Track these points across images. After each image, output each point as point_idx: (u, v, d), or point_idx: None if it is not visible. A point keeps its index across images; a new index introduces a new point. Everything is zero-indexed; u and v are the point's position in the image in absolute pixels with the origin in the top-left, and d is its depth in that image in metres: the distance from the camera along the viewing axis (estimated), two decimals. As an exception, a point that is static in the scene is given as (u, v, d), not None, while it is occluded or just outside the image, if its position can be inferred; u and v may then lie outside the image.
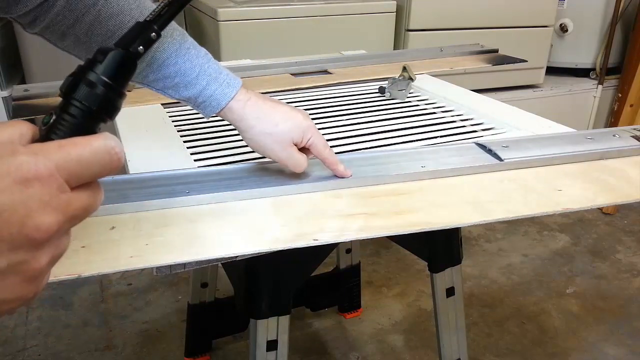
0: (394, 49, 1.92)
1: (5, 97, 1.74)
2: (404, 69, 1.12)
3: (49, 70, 1.70)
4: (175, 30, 0.62)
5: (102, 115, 0.31)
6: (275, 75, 1.19)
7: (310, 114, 0.97)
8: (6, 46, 1.82)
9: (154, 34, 0.36)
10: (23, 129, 0.27)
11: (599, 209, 2.21)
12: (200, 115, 0.96)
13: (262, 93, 1.08)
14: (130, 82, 0.59)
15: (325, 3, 1.79)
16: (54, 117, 0.29)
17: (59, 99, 0.31)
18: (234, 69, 1.19)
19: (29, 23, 0.59)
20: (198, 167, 0.74)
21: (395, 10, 1.87)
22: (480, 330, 1.57)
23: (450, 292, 0.95)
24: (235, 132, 0.88)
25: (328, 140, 0.85)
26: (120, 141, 0.30)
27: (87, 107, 0.30)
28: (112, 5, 0.59)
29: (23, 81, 1.81)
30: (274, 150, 0.64)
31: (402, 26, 1.90)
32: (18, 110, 1.00)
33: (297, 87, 1.12)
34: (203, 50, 0.64)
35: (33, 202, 0.25)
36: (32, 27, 0.60)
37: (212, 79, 0.63)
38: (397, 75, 1.12)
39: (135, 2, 0.60)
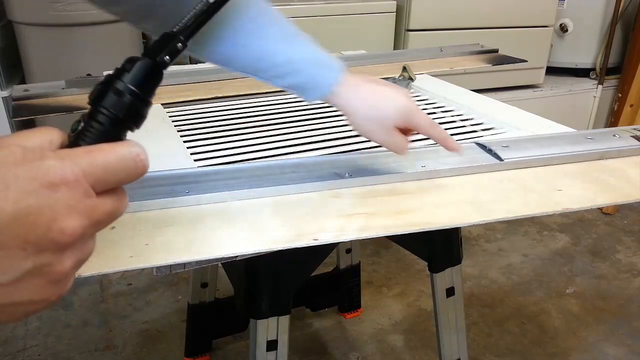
0: (394, 49, 1.92)
1: (5, 97, 1.74)
2: (404, 69, 1.12)
3: (49, 70, 1.70)
4: (281, 19, 0.62)
5: (128, 123, 0.32)
6: (275, 75, 1.19)
7: (310, 114, 0.97)
8: (6, 46, 1.83)
9: (180, 44, 0.36)
10: (53, 135, 0.28)
11: (599, 209, 2.21)
12: (200, 115, 0.96)
13: (262, 93, 1.09)
14: (233, 71, 0.61)
15: (325, 3, 1.79)
16: (82, 124, 0.30)
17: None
18: (234, 69, 1.20)
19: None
20: (198, 167, 0.74)
21: (395, 10, 1.87)
22: (480, 330, 1.57)
23: (450, 292, 0.95)
24: (235, 132, 0.88)
25: (328, 140, 0.85)
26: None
27: (115, 115, 0.31)
28: None
29: (23, 81, 1.81)
30: (377, 134, 0.64)
31: (402, 26, 1.90)
32: (18, 110, 1.00)
33: (297, 87, 1.12)
34: (306, 35, 0.64)
35: (59, 206, 0.25)
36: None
37: (318, 66, 0.62)
38: (397, 75, 1.12)
39: None
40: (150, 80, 0.33)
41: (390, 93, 0.64)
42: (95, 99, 0.31)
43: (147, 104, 0.33)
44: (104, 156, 0.27)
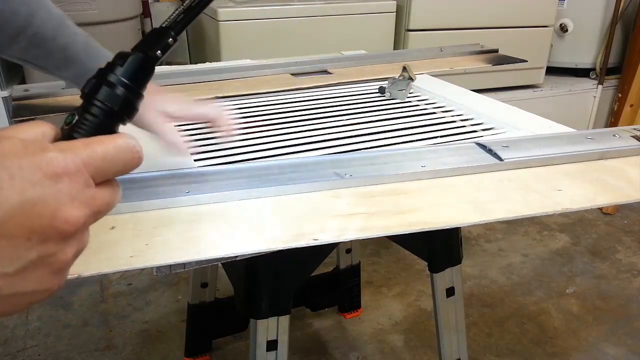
0: (394, 49, 1.92)
1: (5, 97, 1.74)
2: (404, 69, 1.12)
3: (49, 70, 1.70)
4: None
5: (122, 116, 0.32)
6: (275, 75, 1.19)
7: (310, 114, 0.97)
8: (6, 46, 1.82)
9: (171, 39, 0.37)
10: (45, 129, 0.29)
11: (599, 209, 2.21)
12: (200, 115, 0.96)
13: (262, 93, 1.09)
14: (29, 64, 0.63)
15: (325, 3, 1.79)
16: (76, 117, 0.30)
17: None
18: (234, 69, 1.20)
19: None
20: (198, 167, 0.74)
21: (395, 10, 1.87)
22: (480, 330, 1.57)
23: (450, 292, 0.95)
24: (235, 132, 0.88)
25: (328, 140, 0.85)
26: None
27: (109, 108, 0.31)
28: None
29: (23, 81, 1.81)
30: (155, 120, 0.67)
31: (402, 26, 1.90)
32: (18, 110, 0.99)
33: (297, 87, 1.12)
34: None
35: (62, 196, 0.26)
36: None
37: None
38: (397, 75, 1.12)
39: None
40: (142, 73, 0.34)
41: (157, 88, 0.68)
42: (89, 92, 0.31)
43: (139, 96, 0.34)
44: (102, 147, 0.28)
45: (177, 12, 0.38)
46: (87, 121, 0.30)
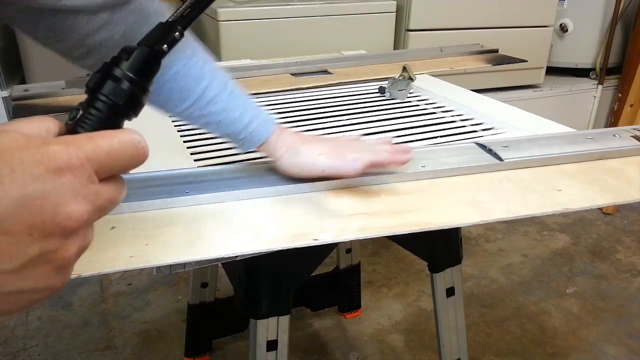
0: (394, 49, 1.92)
1: (5, 97, 1.74)
2: (404, 69, 1.12)
3: (49, 70, 1.70)
4: (220, 70, 0.64)
5: (127, 111, 0.31)
6: (275, 75, 1.19)
7: (310, 114, 0.97)
8: (6, 46, 1.82)
9: (177, 33, 0.36)
10: (50, 124, 0.28)
11: (599, 209, 2.21)
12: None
13: (262, 93, 1.09)
14: (168, 113, 0.61)
15: (325, 3, 1.79)
16: (80, 112, 0.30)
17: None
18: (234, 69, 1.20)
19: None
20: (198, 167, 0.74)
21: (395, 10, 1.87)
22: (480, 330, 1.57)
23: (450, 292, 0.95)
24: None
25: (328, 140, 0.85)
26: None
27: (114, 102, 0.30)
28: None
29: (23, 81, 1.81)
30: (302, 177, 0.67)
31: (402, 26, 1.90)
32: (18, 110, 1.00)
33: (297, 87, 1.12)
34: (239, 87, 0.66)
35: (65, 191, 0.25)
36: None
37: (254, 116, 0.65)
38: (397, 75, 1.12)
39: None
40: (148, 68, 0.33)
41: (315, 150, 0.66)
42: (94, 87, 0.31)
43: (145, 91, 0.33)
44: (107, 142, 0.27)
45: (184, 6, 0.37)
46: (92, 116, 0.30)
